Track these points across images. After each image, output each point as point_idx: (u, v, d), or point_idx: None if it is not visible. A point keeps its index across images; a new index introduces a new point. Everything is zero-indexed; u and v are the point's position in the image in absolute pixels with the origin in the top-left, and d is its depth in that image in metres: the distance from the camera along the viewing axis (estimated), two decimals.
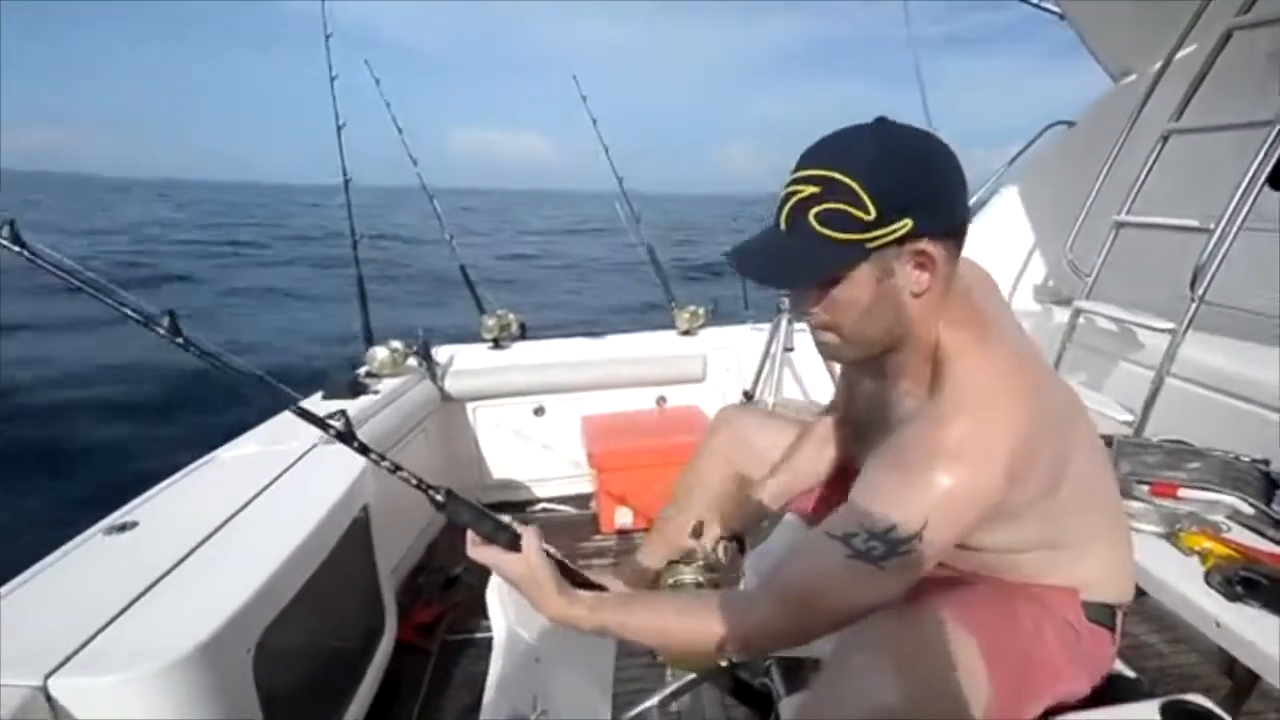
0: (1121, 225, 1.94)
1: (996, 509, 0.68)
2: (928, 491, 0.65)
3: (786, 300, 2.24)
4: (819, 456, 1.08)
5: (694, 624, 0.76)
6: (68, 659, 0.87)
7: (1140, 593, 0.92)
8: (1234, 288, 2.04)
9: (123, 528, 1.22)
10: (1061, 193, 2.33)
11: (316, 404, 1.96)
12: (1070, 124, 2.55)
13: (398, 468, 0.89)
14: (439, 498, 0.86)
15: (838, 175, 0.67)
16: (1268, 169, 1.58)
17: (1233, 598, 0.77)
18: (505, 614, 1.09)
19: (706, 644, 0.74)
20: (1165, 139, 1.89)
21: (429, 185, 2.69)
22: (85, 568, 1.10)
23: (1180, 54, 1.96)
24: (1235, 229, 1.60)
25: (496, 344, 2.59)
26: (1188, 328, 1.64)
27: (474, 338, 2.61)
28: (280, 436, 1.67)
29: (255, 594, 1.04)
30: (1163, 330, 1.68)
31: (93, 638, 0.91)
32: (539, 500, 2.55)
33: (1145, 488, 0.97)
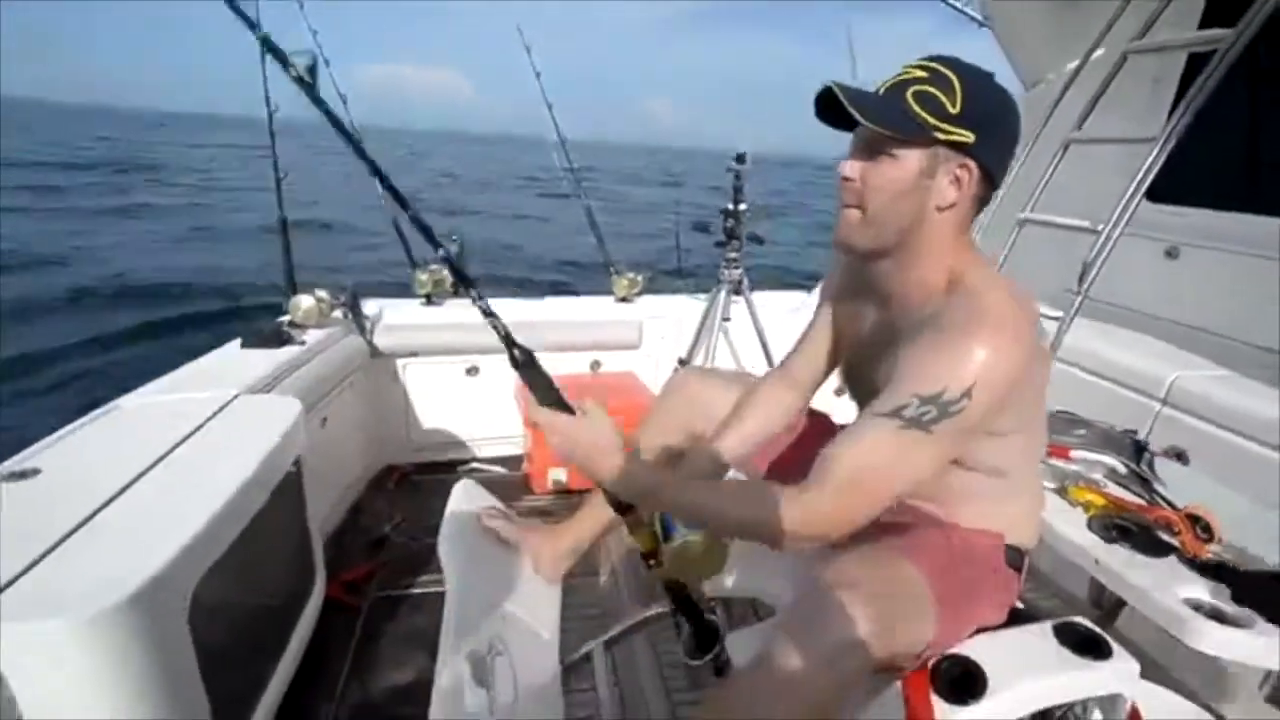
0: (1024, 222, 2.14)
1: (1020, 389, 0.76)
2: (973, 354, 0.74)
3: (726, 273, 2.32)
4: (768, 414, 1.15)
5: (749, 506, 0.79)
6: None
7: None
8: (1114, 284, 2.32)
9: (22, 474, 1.11)
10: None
11: (233, 354, 1.84)
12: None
13: (489, 313, 0.96)
14: (520, 355, 0.93)
15: (948, 71, 0.79)
16: (1149, 181, 1.80)
17: (1109, 540, 0.92)
18: (457, 564, 1.11)
19: (757, 526, 0.78)
20: (1066, 147, 2.10)
21: (343, 120, 2.50)
22: None
23: (1087, 69, 2.17)
24: (1118, 233, 1.81)
25: (429, 300, 2.51)
26: (1074, 318, 1.85)
27: (405, 291, 2.52)
28: (198, 383, 1.57)
29: (191, 541, 0.99)
30: (1052, 319, 1.89)
31: (13, 582, 0.84)
32: (470, 460, 2.52)
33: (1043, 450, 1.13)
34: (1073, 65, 2.20)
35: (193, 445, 1.27)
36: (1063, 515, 0.99)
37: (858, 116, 0.77)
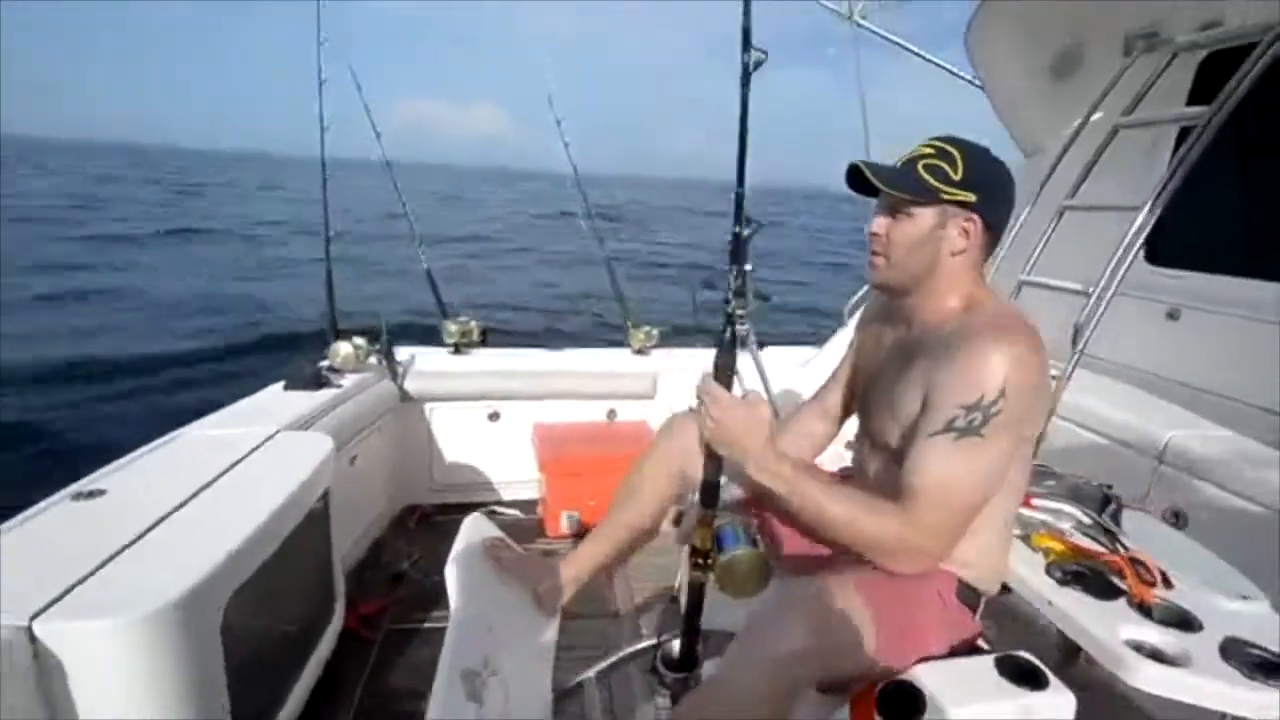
0: (1023, 284, 2.22)
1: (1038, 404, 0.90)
2: (998, 359, 0.85)
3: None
4: (799, 445, 1.24)
5: (873, 519, 0.89)
6: (51, 603, 0.94)
7: (1004, 590, 1.12)
8: (1110, 343, 2.36)
9: (90, 494, 1.27)
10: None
11: (277, 394, 2.02)
12: None
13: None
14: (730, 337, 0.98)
15: (950, 148, 0.97)
16: (1138, 245, 1.88)
17: (1062, 583, 0.97)
18: (460, 589, 1.21)
19: (874, 538, 0.88)
20: (1061, 213, 2.19)
21: (378, 158, 2.70)
22: (57, 527, 1.15)
23: (1082, 139, 2.29)
24: (1110, 294, 1.88)
25: (457, 349, 2.68)
26: (1069, 376, 1.90)
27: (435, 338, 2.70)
28: (244, 419, 1.74)
29: (225, 559, 1.12)
30: (1050, 377, 1.95)
31: (74, 586, 0.98)
32: (488, 502, 2.63)
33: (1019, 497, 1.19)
34: (1069, 134, 2.32)
35: (235, 475, 1.42)
36: (1024, 560, 1.04)
37: (881, 186, 0.96)
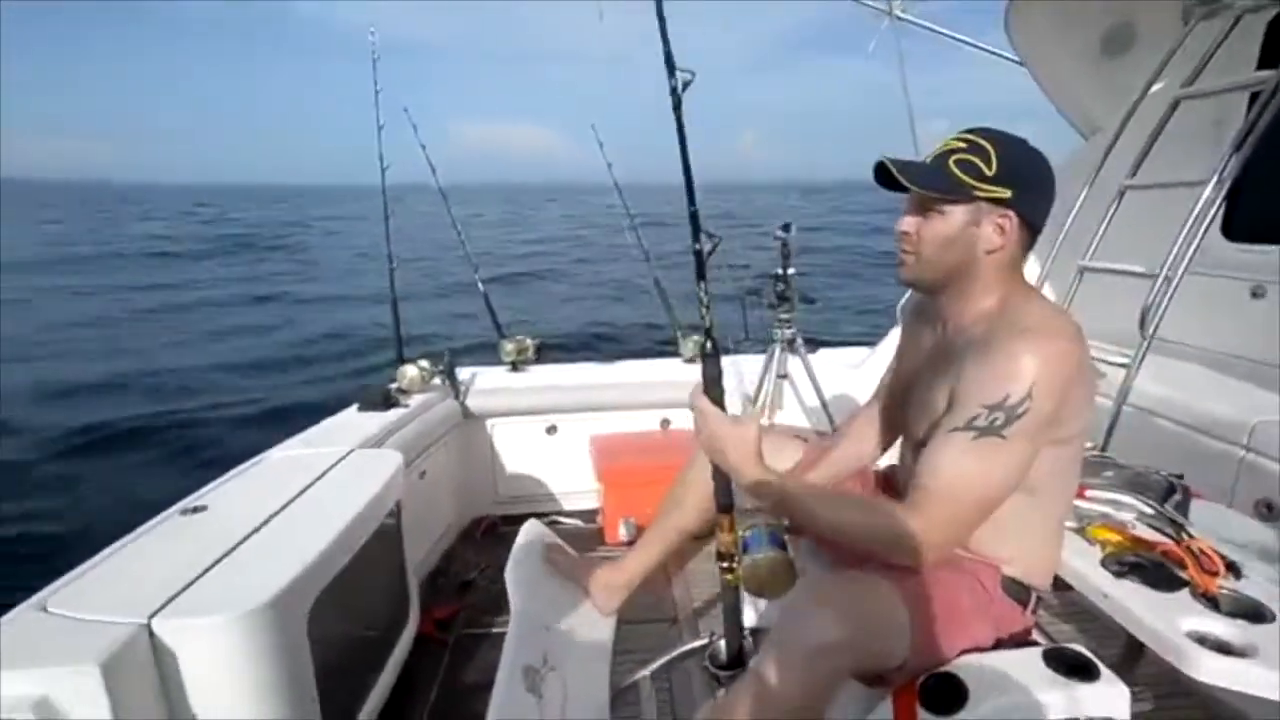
0: (1085, 270, 2.13)
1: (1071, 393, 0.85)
2: (1027, 360, 0.84)
3: (779, 333, 2.45)
4: (857, 446, 1.25)
5: (865, 519, 0.90)
6: (166, 604, 1.07)
7: (1063, 585, 1.09)
8: (1189, 327, 2.22)
9: (195, 509, 1.42)
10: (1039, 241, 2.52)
11: (351, 416, 2.18)
12: None
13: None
14: (709, 348, 1.03)
15: (984, 142, 0.94)
16: (1206, 221, 1.77)
17: (1119, 575, 0.94)
18: (520, 590, 1.28)
19: (869, 538, 0.89)
20: (1122, 194, 2.09)
21: (438, 182, 2.88)
22: (168, 538, 1.30)
23: (1144, 115, 2.18)
24: (1179, 275, 1.78)
25: (514, 367, 2.80)
26: (1140, 362, 1.81)
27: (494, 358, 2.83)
28: (323, 440, 1.89)
29: (310, 565, 1.23)
30: (1119, 365, 1.86)
31: (184, 589, 1.11)
32: (550, 512, 2.72)
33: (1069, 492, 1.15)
34: (1126, 112, 2.21)
35: (316, 490, 1.55)
36: (1079, 553, 1.01)
37: (908, 184, 0.93)
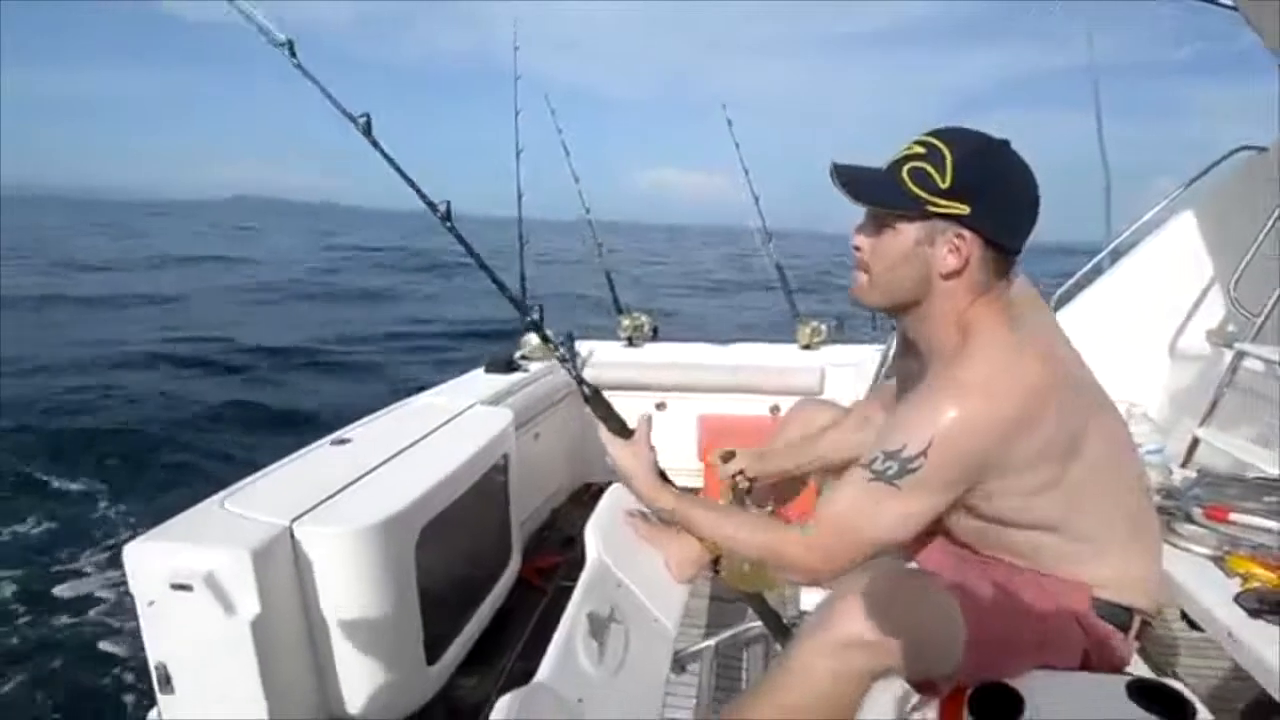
0: None
1: (1012, 449, 0.77)
2: (936, 416, 0.77)
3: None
4: (843, 437, 1.23)
5: (739, 533, 0.94)
6: (305, 513, 1.28)
7: (1190, 623, 0.95)
8: None
9: (343, 441, 1.67)
10: (1241, 224, 2.12)
11: (479, 376, 2.40)
12: (1261, 149, 2.29)
13: (565, 358, 1.27)
14: (587, 391, 1.13)
15: (941, 145, 0.81)
16: None
17: (1254, 615, 0.79)
18: (596, 545, 1.36)
19: (741, 549, 0.95)
20: None
21: (600, 219, 3.17)
22: (317, 463, 1.55)
23: None
24: None
25: (630, 342, 2.90)
26: None
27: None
28: (452, 394, 2.12)
29: (418, 498, 1.41)
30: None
31: (321, 503, 1.32)
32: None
33: (1201, 511, 0.97)
34: None
35: (436, 435, 1.75)
36: (1213, 584, 0.86)
37: (850, 198, 0.84)
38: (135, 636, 1.27)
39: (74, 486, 4.79)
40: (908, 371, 1.00)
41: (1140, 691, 0.73)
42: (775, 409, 2.74)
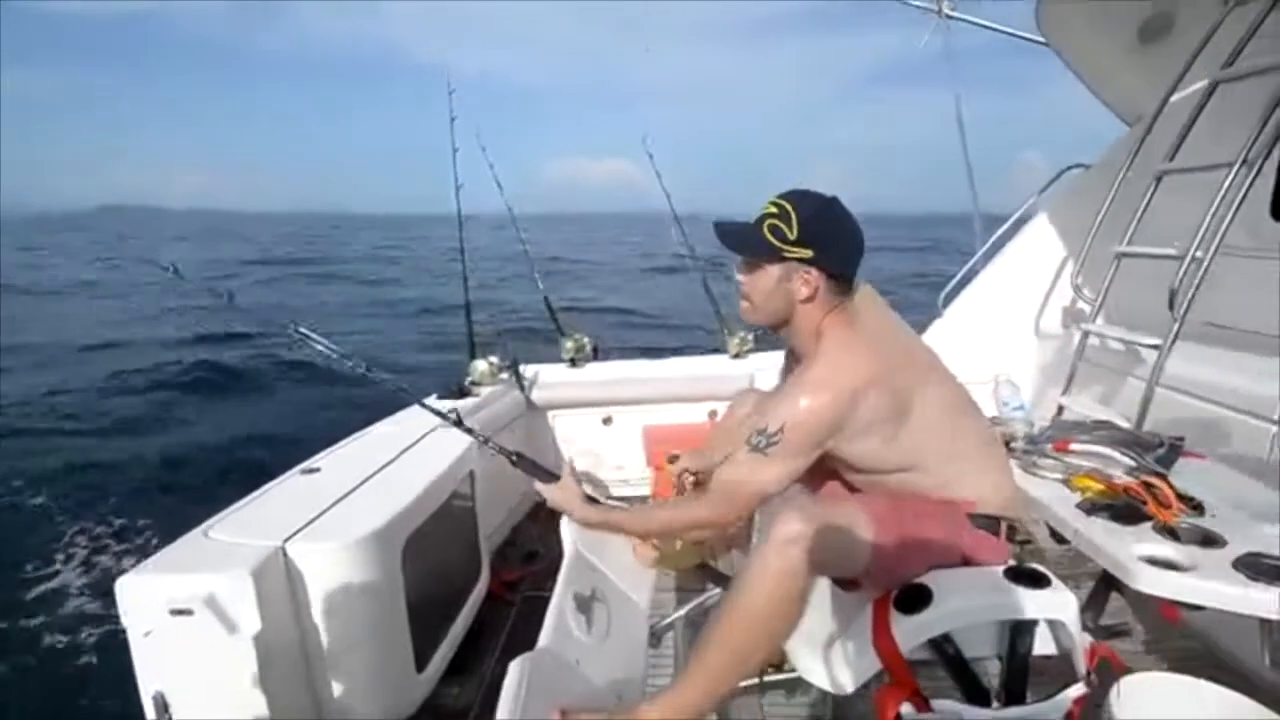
0: (1122, 255, 2.16)
1: (847, 421, 1.06)
2: (790, 405, 1.08)
3: None
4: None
5: (662, 516, 1.22)
6: (296, 532, 1.36)
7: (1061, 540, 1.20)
8: (1230, 307, 2.20)
9: (312, 470, 1.73)
10: (1078, 227, 2.56)
11: (435, 401, 2.48)
12: (1087, 167, 2.78)
13: (487, 440, 1.37)
14: (513, 458, 1.36)
15: (789, 206, 1.13)
16: (1234, 203, 1.80)
17: (1089, 514, 1.05)
18: (574, 538, 1.50)
19: (669, 529, 1.21)
20: (1159, 179, 2.12)
21: (522, 212, 3.22)
22: (293, 490, 1.61)
23: (1185, 100, 2.19)
24: (1209, 257, 1.81)
25: (573, 363, 3.05)
26: (1172, 344, 1.85)
27: (555, 356, 3.10)
28: (410, 420, 2.20)
29: (403, 509, 1.51)
30: (1151, 346, 1.90)
31: (309, 523, 1.40)
32: (605, 499, 2.94)
33: (1050, 446, 1.25)
34: (1174, 98, 2.23)
35: (406, 456, 1.84)
36: (1060, 500, 1.12)
37: (728, 248, 1.16)
38: (115, 673, 1.29)
39: None
40: (791, 369, 1.29)
41: (1014, 574, 0.96)
42: (713, 414, 2.96)
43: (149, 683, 1.24)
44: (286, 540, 1.33)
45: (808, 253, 1.10)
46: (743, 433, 1.16)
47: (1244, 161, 1.78)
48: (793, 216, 1.10)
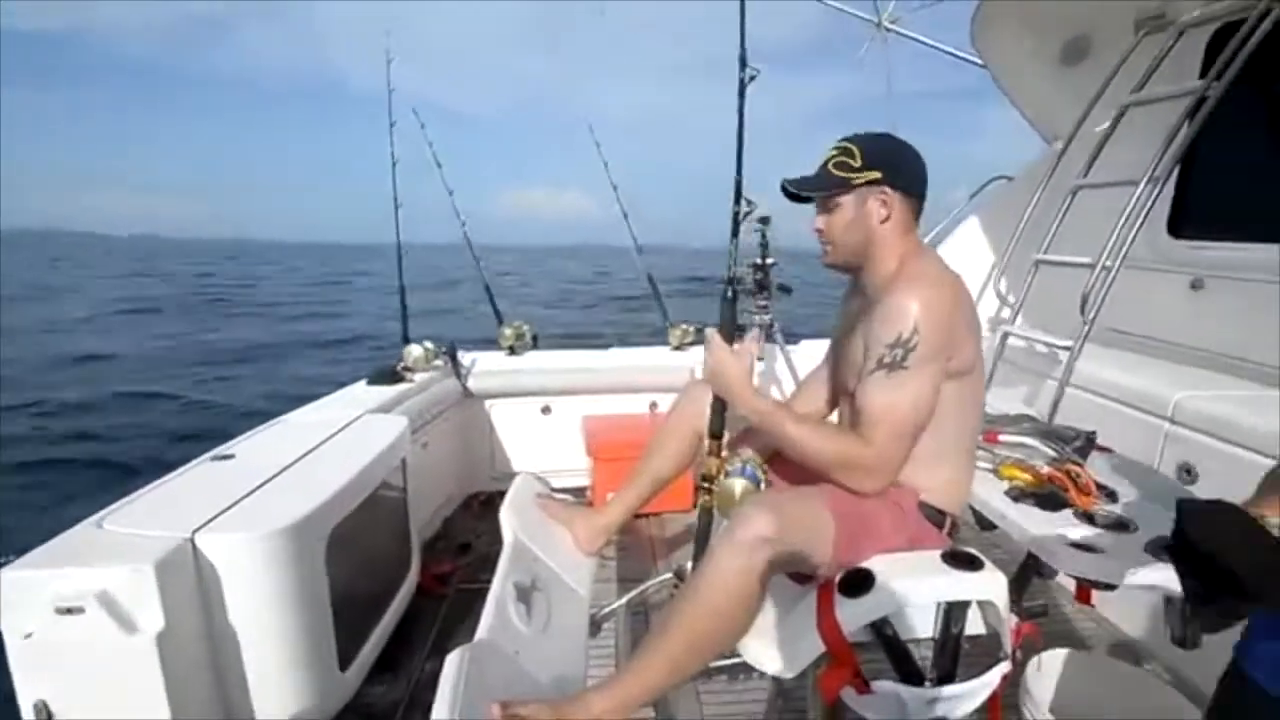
0: (1039, 263, 2.31)
1: (954, 326, 1.04)
2: (909, 304, 1.04)
3: (756, 318, 2.64)
4: (814, 401, 1.43)
5: (820, 442, 1.09)
6: (206, 523, 1.24)
7: (985, 526, 1.26)
8: (1139, 318, 2.40)
9: (225, 457, 1.60)
10: (1001, 234, 2.72)
11: (362, 388, 2.35)
12: (1010, 179, 2.96)
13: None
14: (732, 290, 1.30)
15: (849, 143, 1.16)
16: (1140, 217, 1.95)
17: (1016, 500, 1.11)
18: (512, 526, 1.45)
19: (830, 457, 1.07)
20: (1074, 193, 2.28)
21: (475, 241, 3.18)
22: (202, 478, 1.48)
23: (1101, 121, 2.35)
24: (1116, 266, 1.96)
25: (512, 351, 2.97)
26: (1081, 346, 1.99)
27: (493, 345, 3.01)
28: (336, 406, 2.07)
29: (327, 500, 1.41)
30: (1063, 348, 2.03)
31: (221, 513, 1.28)
32: (548, 488, 2.89)
33: (981, 438, 1.32)
34: (1096, 120, 2.39)
35: (331, 444, 1.73)
36: (990, 488, 1.18)
37: (802, 194, 1.17)
38: None
39: None
40: (850, 310, 1.26)
41: (949, 557, 0.99)
42: (654, 405, 2.97)
43: (29, 691, 1.11)
44: (195, 531, 1.22)
45: (876, 174, 1.13)
46: (856, 361, 1.11)
47: (1149, 179, 1.92)
48: (854, 150, 1.14)
